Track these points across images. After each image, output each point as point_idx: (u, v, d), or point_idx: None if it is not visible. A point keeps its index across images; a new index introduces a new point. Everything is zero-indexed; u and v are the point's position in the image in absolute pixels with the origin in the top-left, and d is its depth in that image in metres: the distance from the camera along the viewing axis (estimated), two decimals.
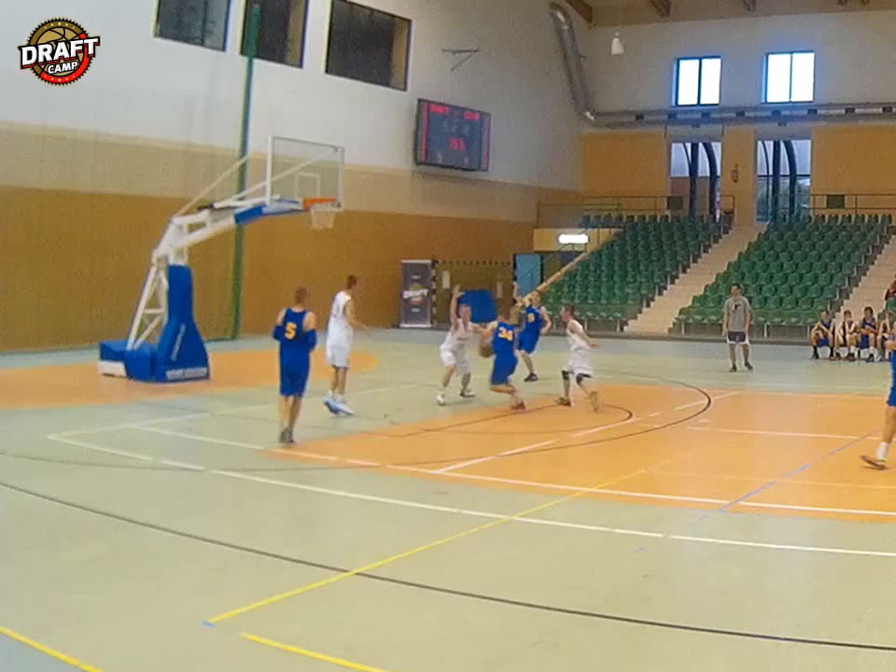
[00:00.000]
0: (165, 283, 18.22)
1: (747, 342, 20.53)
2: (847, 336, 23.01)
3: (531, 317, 18.60)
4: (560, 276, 34.91)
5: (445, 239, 33.67)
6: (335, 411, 13.79)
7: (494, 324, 15.21)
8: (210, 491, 9.78)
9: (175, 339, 17.61)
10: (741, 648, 5.64)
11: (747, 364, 20.34)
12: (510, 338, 15.00)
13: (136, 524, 8.18)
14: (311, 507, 9.37)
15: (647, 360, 23.27)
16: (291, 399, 11.60)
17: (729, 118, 37.36)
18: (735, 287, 22.92)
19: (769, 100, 37.22)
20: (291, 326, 11.52)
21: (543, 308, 19.23)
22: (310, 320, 11.54)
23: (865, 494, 9.38)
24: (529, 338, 18.26)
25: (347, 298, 14.34)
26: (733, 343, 20.49)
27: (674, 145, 40.02)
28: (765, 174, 39.95)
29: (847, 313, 24.11)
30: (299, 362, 11.58)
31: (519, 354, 16.70)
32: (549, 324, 18.88)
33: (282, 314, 11.72)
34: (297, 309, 11.61)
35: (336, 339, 14.25)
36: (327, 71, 30.10)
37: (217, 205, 18.37)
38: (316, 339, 11.71)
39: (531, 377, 17.87)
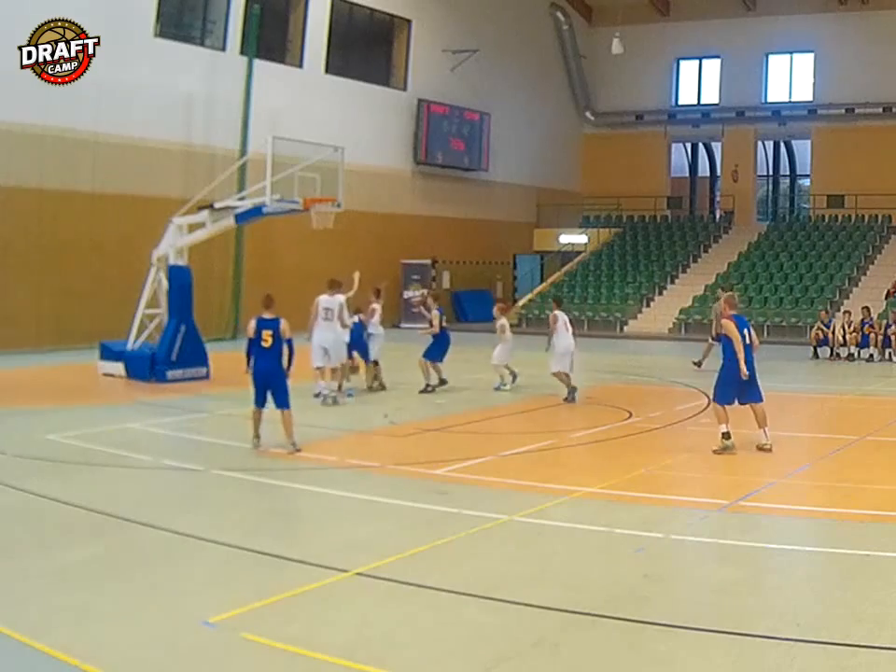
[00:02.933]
0: (165, 283, 18.22)
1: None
2: (847, 336, 22.99)
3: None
4: (560, 276, 34.91)
5: (445, 239, 33.66)
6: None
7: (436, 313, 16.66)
8: (210, 491, 9.78)
9: (175, 339, 17.61)
10: (741, 648, 5.64)
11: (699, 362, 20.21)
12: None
13: (136, 524, 8.18)
14: (311, 507, 9.36)
15: (647, 360, 23.28)
16: (280, 413, 11.17)
17: (729, 118, 37.36)
18: (722, 291, 22.56)
19: (769, 100, 37.22)
20: (267, 333, 11.11)
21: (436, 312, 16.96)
22: (286, 327, 11.20)
23: (865, 494, 9.38)
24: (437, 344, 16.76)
25: (342, 300, 15.03)
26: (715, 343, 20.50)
27: (674, 145, 40.02)
28: (765, 174, 39.95)
29: (848, 313, 24.10)
30: (275, 371, 11.14)
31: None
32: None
33: (252, 324, 11.27)
34: (268, 316, 11.25)
35: (334, 340, 14.90)
36: (327, 71, 30.10)
37: (217, 205, 18.37)
38: (293, 346, 11.32)
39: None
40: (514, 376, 16.94)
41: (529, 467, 10.73)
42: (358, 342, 16.14)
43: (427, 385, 16.43)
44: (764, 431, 11.48)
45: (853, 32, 34.35)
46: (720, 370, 11.68)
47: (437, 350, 16.65)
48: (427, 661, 5.53)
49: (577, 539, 7.94)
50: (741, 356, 11.28)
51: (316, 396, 15.08)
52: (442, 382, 16.69)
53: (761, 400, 11.66)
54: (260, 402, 11.26)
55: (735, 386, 11.48)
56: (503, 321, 17.09)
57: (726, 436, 11.37)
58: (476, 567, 7.14)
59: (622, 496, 9.24)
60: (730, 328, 11.44)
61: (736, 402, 11.63)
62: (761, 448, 11.40)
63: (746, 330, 11.53)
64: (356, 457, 11.15)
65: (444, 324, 16.96)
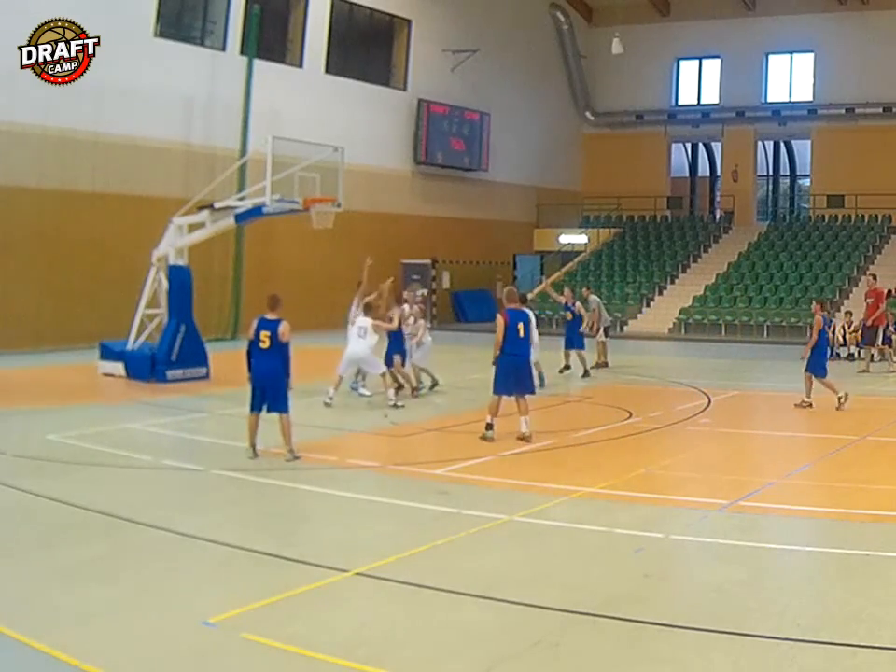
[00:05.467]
0: (165, 283, 18.21)
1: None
2: (847, 336, 22.99)
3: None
4: (560, 276, 34.89)
5: (445, 239, 33.67)
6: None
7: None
8: (210, 491, 9.78)
9: (175, 339, 17.60)
10: (741, 648, 5.63)
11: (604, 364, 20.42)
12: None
13: (136, 524, 8.18)
14: (311, 507, 9.37)
15: (647, 360, 23.27)
16: (278, 418, 10.75)
17: (729, 118, 37.37)
18: (587, 290, 21.99)
19: (769, 100, 37.23)
20: (265, 334, 10.63)
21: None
22: (286, 329, 10.70)
23: (865, 494, 9.38)
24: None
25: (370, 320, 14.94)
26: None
27: (674, 145, 40.03)
28: (765, 174, 39.96)
29: (849, 313, 24.10)
30: (272, 374, 10.69)
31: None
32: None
33: (253, 324, 10.82)
34: (270, 317, 10.76)
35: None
36: (327, 71, 30.11)
37: (217, 205, 18.36)
38: (289, 352, 10.83)
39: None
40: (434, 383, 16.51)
41: (529, 467, 10.72)
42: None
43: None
44: (524, 420, 11.92)
45: (853, 32, 34.36)
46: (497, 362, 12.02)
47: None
48: (427, 661, 5.53)
49: (577, 538, 7.94)
50: (496, 349, 11.87)
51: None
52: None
53: (532, 392, 12.25)
54: (257, 407, 10.79)
55: (511, 378, 11.92)
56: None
57: (489, 427, 11.87)
58: (476, 567, 7.14)
59: (622, 496, 9.24)
60: (499, 322, 11.89)
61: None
62: (522, 438, 11.82)
63: (521, 324, 11.99)
64: (356, 457, 11.16)
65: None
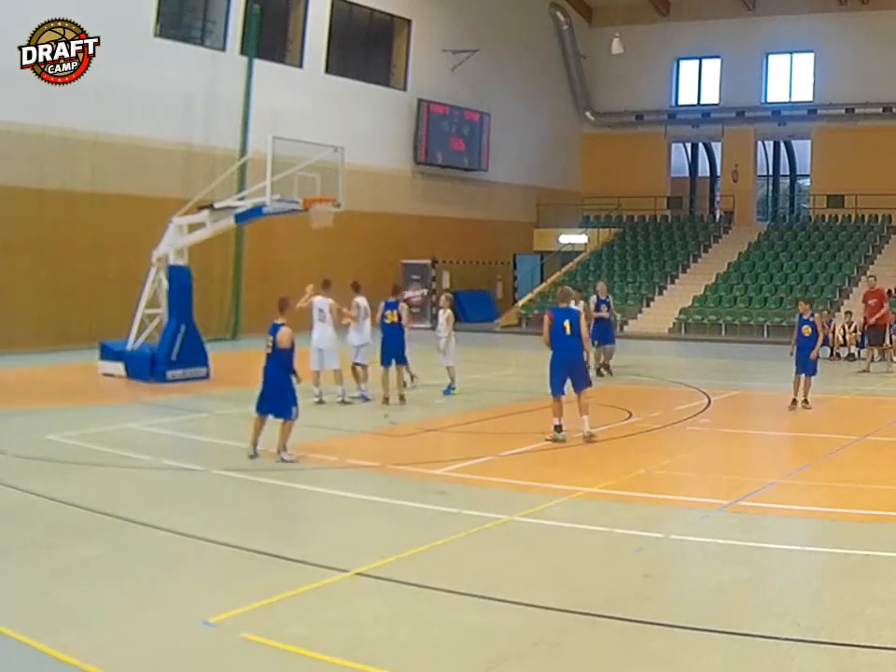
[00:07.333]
0: (165, 283, 18.22)
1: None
2: (848, 336, 22.99)
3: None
4: (560, 276, 34.89)
5: (445, 239, 33.66)
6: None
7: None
8: (210, 491, 9.78)
9: (175, 339, 17.61)
10: (741, 648, 5.63)
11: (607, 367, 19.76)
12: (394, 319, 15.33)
13: (136, 524, 8.19)
14: (311, 507, 9.37)
15: (647, 360, 23.26)
16: (280, 422, 10.69)
17: (729, 118, 37.37)
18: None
19: (769, 100, 37.23)
20: (269, 339, 10.64)
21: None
22: (283, 335, 10.58)
23: (865, 494, 9.38)
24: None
25: (330, 300, 14.90)
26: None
27: (674, 145, 40.03)
28: (765, 174, 39.96)
29: (849, 313, 24.10)
30: (273, 378, 10.68)
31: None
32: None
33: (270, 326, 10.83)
34: (277, 321, 10.77)
35: (327, 342, 14.83)
36: (327, 71, 30.11)
37: (217, 205, 18.37)
38: (290, 357, 10.64)
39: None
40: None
41: (529, 467, 10.72)
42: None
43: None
44: (585, 419, 11.91)
45: (853, 32, 34.36)
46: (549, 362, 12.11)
47: None
48: (427, 661, 5.53)
49: (577, 539, 7.94)
50: (546, 344, 11.96)
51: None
52: None
53: (587, 386, 12.22)
54: (261, 409, 10.80)
55: (561, 376, 11.94)
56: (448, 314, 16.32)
57: (558, 429, 11.83)
58: (476, 567, 7.14)
59: (622, 496, 9.24)
60: (545, 322, 12.09)
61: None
62: (588, 438, 11.79)
63: (567, 322, 12.00)
64: (356, 457, 11.15)
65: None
